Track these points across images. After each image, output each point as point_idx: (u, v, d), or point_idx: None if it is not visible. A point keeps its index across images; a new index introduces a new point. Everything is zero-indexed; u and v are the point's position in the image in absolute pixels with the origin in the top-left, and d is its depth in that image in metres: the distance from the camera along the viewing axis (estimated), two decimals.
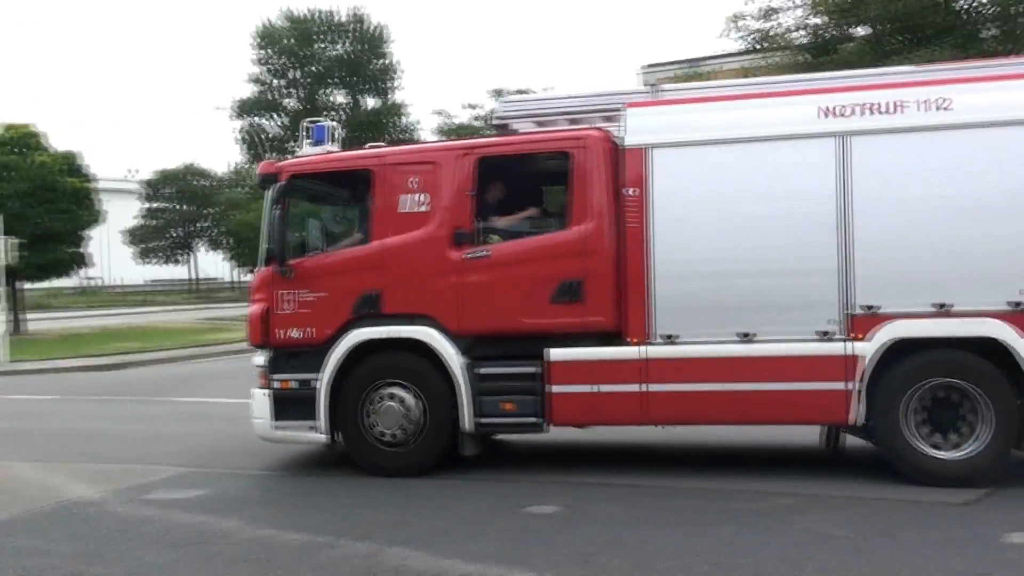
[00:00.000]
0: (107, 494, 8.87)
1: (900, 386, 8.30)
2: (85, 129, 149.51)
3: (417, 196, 9.25)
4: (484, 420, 9.00)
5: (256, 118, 50.93)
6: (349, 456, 9.49)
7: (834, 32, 24.82)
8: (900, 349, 8.30)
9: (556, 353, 8.85)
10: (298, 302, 9.42)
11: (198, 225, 68.96)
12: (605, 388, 8.78)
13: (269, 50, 50.02)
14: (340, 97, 51.72)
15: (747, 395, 8.55)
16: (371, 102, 51.97)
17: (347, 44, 50.57)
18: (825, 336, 8.42)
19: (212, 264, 78.28)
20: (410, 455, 9.17)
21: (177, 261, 71.07)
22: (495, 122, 10.25)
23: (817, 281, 8.44)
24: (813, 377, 8.39)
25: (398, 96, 52.22)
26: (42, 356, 24.15)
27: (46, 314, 43.33)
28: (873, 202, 8.38)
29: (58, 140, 61.29)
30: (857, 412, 8.35)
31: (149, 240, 68.91)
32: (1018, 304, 8.09)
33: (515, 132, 9.82)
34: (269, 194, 9.62)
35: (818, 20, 25.14)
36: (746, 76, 20.59)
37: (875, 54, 22.13)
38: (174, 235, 69.31)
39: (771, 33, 25.88)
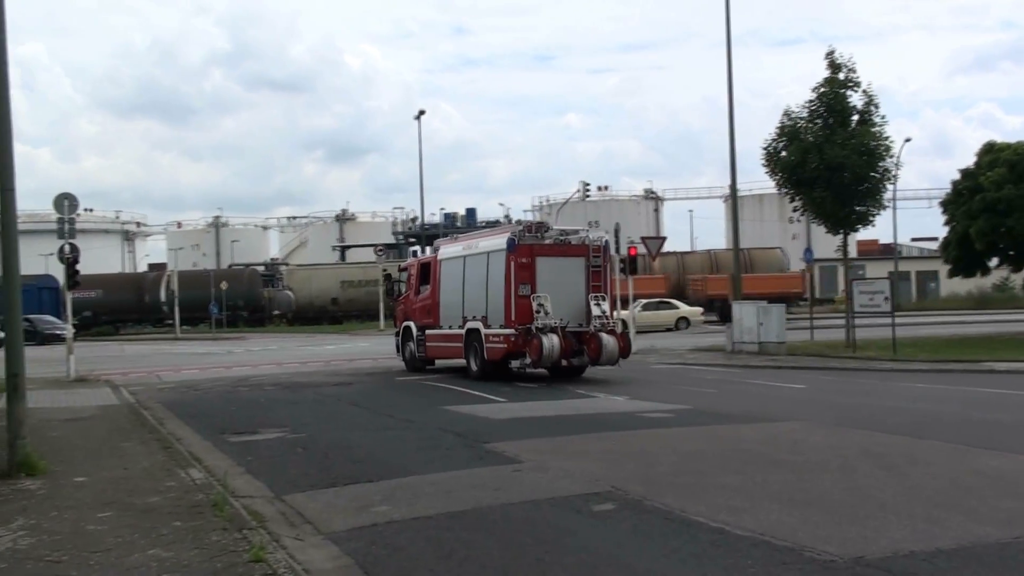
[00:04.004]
0: None
1: (468, 340, 23.63)
2: None
3: (411, 277, 27.38)
4: (417, 355, 26.56)
5: None
6: None
7: None
8: (470, 331, 23.65)
9: (428, 332, 26.07)
10: (397, 314, 28.37)
11: None
12: (433, 344, 25.83)
13: None
14: None
15: (446, 348, 25.08)
16: None
17: None
18: (460, 327, 24.13)
19: None
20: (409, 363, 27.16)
21: None
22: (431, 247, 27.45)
23: (458, 309, 24.23)
24: (457, 341, 24.28)
25: None
26: None
27: None
28: (469, 279, 23.95)
29: None
30: (465, 354, 23.89)
31: None
32: (483, 317, 22.93)
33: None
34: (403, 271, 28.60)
35: None
36: None
37: None
38: None
39: None
